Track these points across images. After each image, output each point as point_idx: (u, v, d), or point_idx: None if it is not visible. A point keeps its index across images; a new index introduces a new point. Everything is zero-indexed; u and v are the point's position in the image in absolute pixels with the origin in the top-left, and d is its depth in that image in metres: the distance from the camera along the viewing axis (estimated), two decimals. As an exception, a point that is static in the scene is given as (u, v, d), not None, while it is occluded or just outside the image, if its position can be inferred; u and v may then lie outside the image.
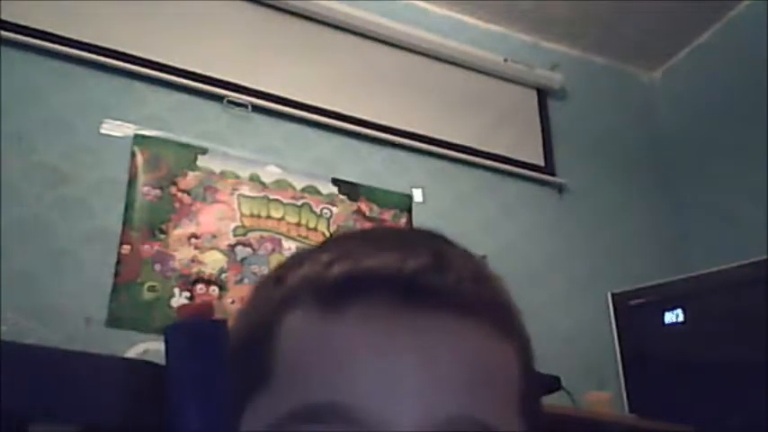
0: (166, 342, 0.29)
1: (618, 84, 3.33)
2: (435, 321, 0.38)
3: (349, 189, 2.53)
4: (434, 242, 0.44)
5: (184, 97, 2.42)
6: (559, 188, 2.92)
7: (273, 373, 0.39)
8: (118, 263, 2.10)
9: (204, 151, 2.36)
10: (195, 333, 0.29)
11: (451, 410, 0.37)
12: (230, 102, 2.45)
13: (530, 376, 0.43)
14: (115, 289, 2.07)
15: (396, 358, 0.37)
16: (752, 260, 2.23)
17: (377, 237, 0.47)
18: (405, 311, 0.38)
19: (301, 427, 0.36)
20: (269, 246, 2.32)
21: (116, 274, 2.09)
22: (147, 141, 2.29)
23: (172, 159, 2.30)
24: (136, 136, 2.29)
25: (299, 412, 0.37)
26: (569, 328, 2.63)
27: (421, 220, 2.59)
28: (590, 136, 3.12)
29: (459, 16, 3.08)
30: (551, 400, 2.05)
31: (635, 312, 2.47)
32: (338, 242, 0.46)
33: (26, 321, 1.87)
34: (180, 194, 2.26)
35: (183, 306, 0.30)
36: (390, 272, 0.39)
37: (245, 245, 2.29)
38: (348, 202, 2.51)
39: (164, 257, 2.16)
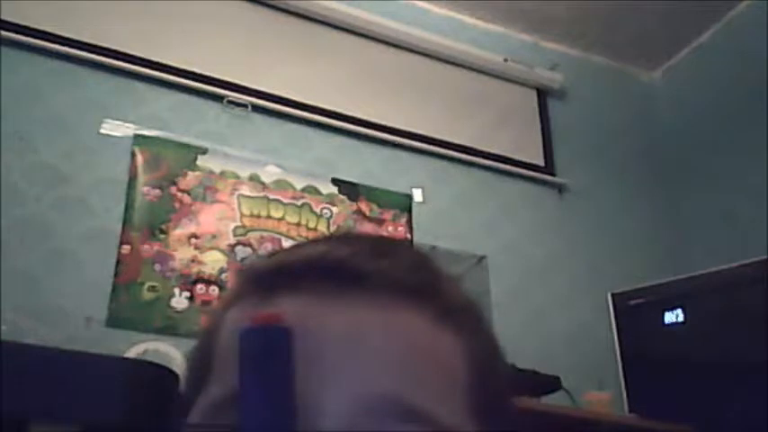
0: (241, 346, 0.30)
1: (618, 84, 3.33)
2: (365, 301, 0.37)
3: (349, 189, 2.53)
4: (379, 238, 0.43)
5: (184, 97, 2.42)
6: (559, 188, 2.93)
7: (212, 369, 0.39)
8: (118, 263, 2.10)
9: (204, 151, 2.36)
10: (267, 338, 0.30)
11: (378, 390, 0.35)
12: (230, 102, 2.45)
13: (485, 374, 0.40)
14: (115, 289, 2.07)
15: (319, 338, 0.36)
16: (752, 260, 2.23)
17: (325, 237, 0.46)
18: (335, 294, 0.37)
19: (226, 413, 0.36)
20: (269, 246, 2.32)
21: (116, 274, 2.09)
22: (147, 141, 2.29)
23: (172, 159, 2.30)
24: (136, 136, 2.29)
25: (221, 400, 0.36)
26: (569, 328, 2.63)
27: (421, 220, 2.59)
28: (590, 136, 3.12)
29: (459, 16, 3.08)
30: (551, 400, 2.05)
31: (635, 312, 2.47)
32: (289, 246, 0.46)
33: (26, 321, 1.87)
34: (180, 194, 2.26)
35: (256, 313, 0.31)
36: (321, 258, 0.38)
37: (245, 245, 2.29)
38: (348, 202, 2.51)
39: (164, 257, 2.16)
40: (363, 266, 0.38)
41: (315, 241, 0.43)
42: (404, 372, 0.36)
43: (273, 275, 0.39)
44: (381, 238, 0.44)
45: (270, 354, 0.29)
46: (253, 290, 0.40)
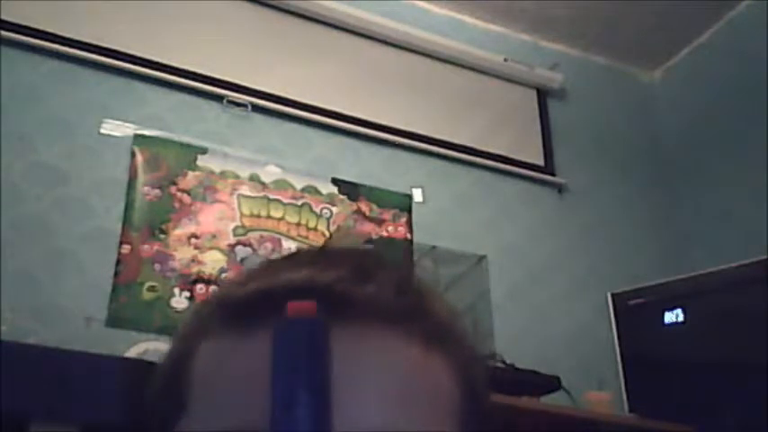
0: (275, 337, 0.29)
1: (618, 84, 3.33)
2: (353, 332, 0.36)
3: (349, 189, 2.53)
4: (358, 257, 0.41)
5: (184, 97, 2.42)
6: (559, 188, 2.93)
7: (188, 403, 0.38)
8: (118, 263, 2.10)
9: (204, 151, 2.36)
10: (302, 329, 0.29)
11: (376, 421, 0.35)
12: (230, 102, 2.45)
13: (473, 391, 0.40)
14: (115, 289, 2.07)
15: None
16: (752, 260, 2.23)
17: (298, 256, 0.43)
18: None
19: None
20: (269, 245, 2.32)
21: (116, 274, 2.09)
22: (147, 141, 2.29)
23: (172, 159, 2.30)
24: (136, 136, 2.29)
25: None
26: (569, 328, 2.63)
27: (421, 220, 2.59)
28: (590, 136, 3.12)
29: (459, 16, 3.08)
30: (551, 400, 2.05)
31: (635, 312, 2.47)
32: (259, 266, 0.43)
33: (26, 321, 1.87)
34: (180, 194, 2.26)
35: (292, 304, 0.29)
36: (303, 284, 0.37)
37: (245, 245, 2.29)
38: (348, 201, 2.51)
39: (164, 257, 2.16)
40: (350, 294, 0.37)
41: (291, 262, 0.40)
42: (399, 401, 0.36)
43: (253, 304, 0.37)
44: (361, 255, 0.42)
45: (311, 351, 0.28)
46: (230, 320, 0.38)
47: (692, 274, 2.41)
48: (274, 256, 2.31)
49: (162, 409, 0.40)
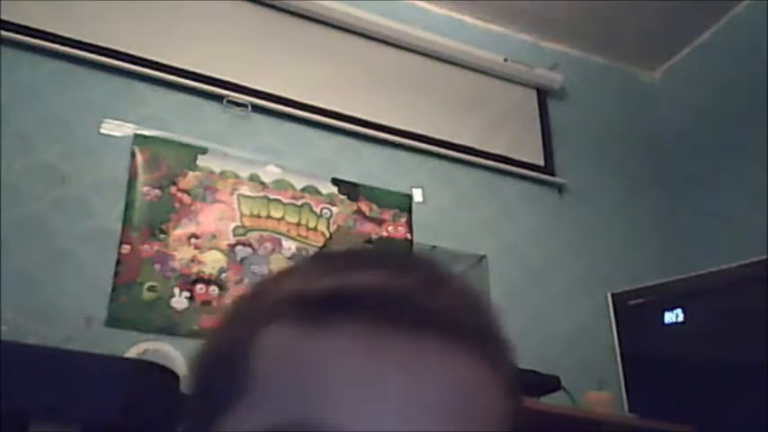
0: None
1: (618, 84, 3.33)
2: (423, 345, 0.37)
3: (349, 189, 2.53)
4: (428, 265, 0.42)
5: (184, 97, 2.42)
6: (559, 188, 2.93)
7: (248, 390, 0.38)
8: (118, 263, 2.10)
9: (204, 151, 2.36)
10: None
11: None
12: (230, 102, 2.45)
13: (516, 413, 0.42)
14: (115, 289, 2.07)
15: (378, 380, 0.35)
16: (752, 260, 2.23)
17: (366, 256, 0.45)
18: (391, 332, 0.36)
19: None
20: (269, 246, 2.32)
21: (116, 274, 2.09)
22: (147, 141, 2.29)
23: (172, 159, 2.30)
24: (136, 136, 2.29)
25: (275, 430, 0.35)
26: (569, 328, 2.63)
27: (421, 219, 2.59)
28: (590, 136, 3.12)
29: (459, 16, 3.08)
30: (551, 400, 2.05)
31: (635, 312, 2.47)
32: (325, 260, 0.44)
33: (26, 321, 1.87)
34: (180, 194, 2.26)
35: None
36: (380, 288, 0.37)
37: (245, 245, 2.29)
38: (348, 201, 2.51)
39: (164, 257, 2.16)
40: (424, 304, 0.37)
41: (362, 261, 0.41)
42: (458, 421, 0.36)
43: (326, 300, 0.37)
44: (433, 265, 0.43)
45: None
46: (298, 311, 0.38)
47: (692, 274, 2.41)
48: (274, 256, 2.32)
49: (209, 392, 0.40)
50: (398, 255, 0.46)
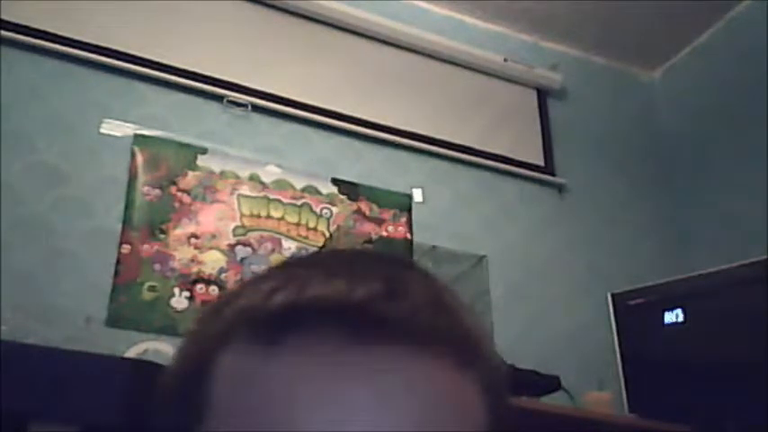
0: None
1: (618, 84, 3.33)
2: (387, 355, 0.35)
3: (349, 189, 2.53)
4: (389, 267, 0.40)
5: (184, 97, 2.42)
6: (559, 188, 2.92)
7: (207, 417, 0.36)
8: (118, 263, 2.10)
9: (204, 151, 2.36)
10: None
11: None
12: (230, 102, 2.45)
13: (499, 409, 0.40)
14: (115, 289, 2.07)
15: (341, 397, 0.34)
16: (752, 260, 2.22)
17: (325, 262, 0.41)
18: (352, 345, 0.35)
19: None
20: (269, 246, 2.32)
21: (116, 274, 2.09)
22: (147, 141, 2.29)
23: (172, 159, 2.30)
24: (136, 136, 2.29)
25: None
26: (569, 328, 2.63)
27: (421, 219, 2.59)
28: (590, 136, 3.12)
29: (459, 16, 3.08)
30: (551, 400, 2.05)
31: (635, 312, 2.46)
32: (283, 269, 0.41)
33: (26, 321, 1.87)
34: (180, 194, 2.26)
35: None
36: (336, 301, 0.35)
37: (244, 245, 2.29)
38: (348, 201, 2.51)
39: (164, 257, 2.16)
40: (383, 312, 0.35)
41: (319, 270, 0.38)
42: (435, 424, 0.35)
43: (278, 318, 0.36)
44: (394, 265, 0.41)
45: None
46: (252, 332, 0.36)
47: (692, 274, 2.41)
48: (274, 256, 2.32)
49: (175, 414, 0.39)
50: (357, 260, 0.43)
